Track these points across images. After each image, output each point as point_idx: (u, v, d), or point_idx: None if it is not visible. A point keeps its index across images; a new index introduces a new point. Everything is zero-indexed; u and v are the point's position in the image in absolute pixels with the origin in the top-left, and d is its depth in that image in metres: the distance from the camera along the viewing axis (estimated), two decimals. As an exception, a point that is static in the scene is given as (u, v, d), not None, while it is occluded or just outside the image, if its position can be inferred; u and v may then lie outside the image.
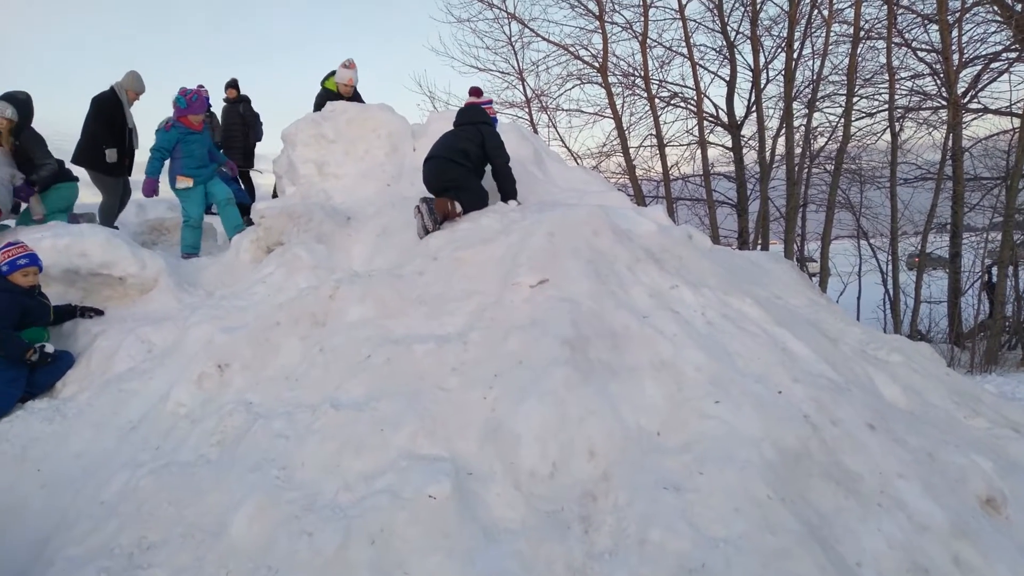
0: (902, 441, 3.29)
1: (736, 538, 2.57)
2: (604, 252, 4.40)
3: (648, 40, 12.48)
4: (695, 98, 12.81)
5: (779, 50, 12.38)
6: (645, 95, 12.77)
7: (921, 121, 12.54)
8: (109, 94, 7.17)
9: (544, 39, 13.15)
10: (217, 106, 10.02)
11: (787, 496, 2.77)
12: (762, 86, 12.46)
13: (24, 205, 6.36)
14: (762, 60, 12.42)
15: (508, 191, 5.69)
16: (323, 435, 3.34)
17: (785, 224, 12.24)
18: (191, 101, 6.58)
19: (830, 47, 11.98)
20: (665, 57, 13.19)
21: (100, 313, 5.33)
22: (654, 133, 12.99)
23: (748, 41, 12.39)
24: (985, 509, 3.09)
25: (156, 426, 3.97)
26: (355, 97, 8.33)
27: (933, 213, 11.88)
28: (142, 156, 7.47)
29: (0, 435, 4.16)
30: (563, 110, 14.08)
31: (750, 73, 12.56)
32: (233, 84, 10.08)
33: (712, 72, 13.45)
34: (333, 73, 8.27)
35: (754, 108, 12.62)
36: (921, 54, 11.99)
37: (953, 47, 11.26)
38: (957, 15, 11.28)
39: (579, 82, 13.45)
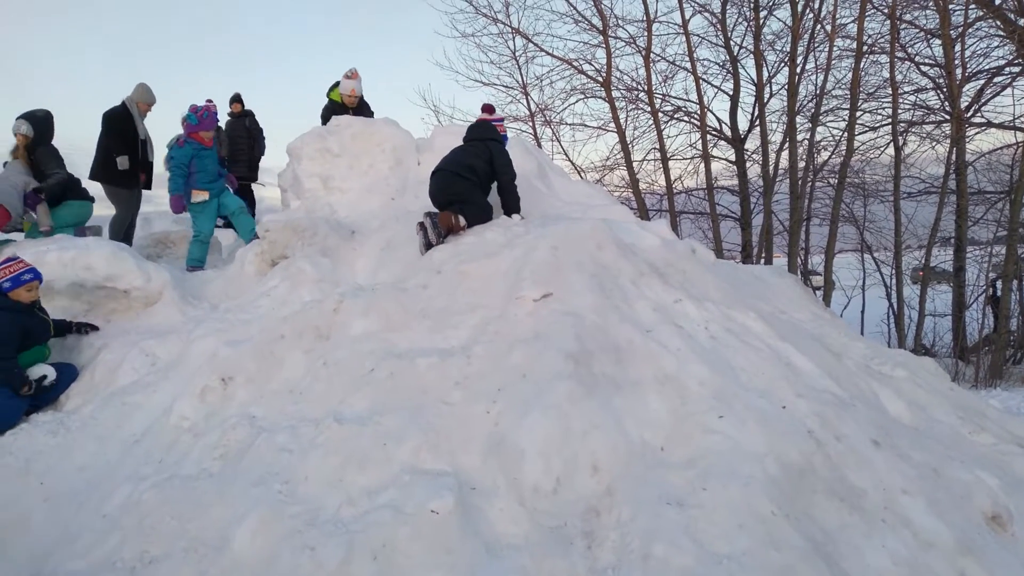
0: (906, 457, 3.28)
1: (740, 554, 2.56)
2: (608, 266, 4.41)
3: (651, 55, 12.53)
4: (698, 112, 12.83)
5: (782, 64, 12.43)
6: (648, 109, 12.80)
7: (924, 135, 12.55)
8: (120, 108, 7.25)
9: (548, 54, 13.21)
10: (221, 119, 10.10)
11: (791, 512, 2.76)
12: (765, 100, 12.48)
13: (32, 219, 6.40)
14: (765, 74, 12.46)
15: (512, 207, 5.71)
16: (326, 449, 3.34)
17: (789, 238, 12.24)
18: (202, 118, 6.66)
19: (833, 62, 12.02)
20: (668, 71, 13.23)
21: (96, 329, 5.29)
22: (657, 147, 13.00)
23: (751, 56, 12.42)
24: (991, 526, 3.08)
25: (159, 439, 3.97)
26: (361, 106, 8.35)
27: (937, 227, 11.87)
28: (159, 166, 7.62)
29: (4, 448, 4.15)
30: (567, 124, 14.11)
31: (753, 87, 12.59)
32: (238, 98, 10.16)
33: (715, 86, 13.49)
34: (338, 84, 8.30)
35: (757, 122, 12.64)
36: (924, 68, 12.01)
37: (956, 61, 11.28)
38: (960, 30, 11.31)
39: (583, 96, 13.49)
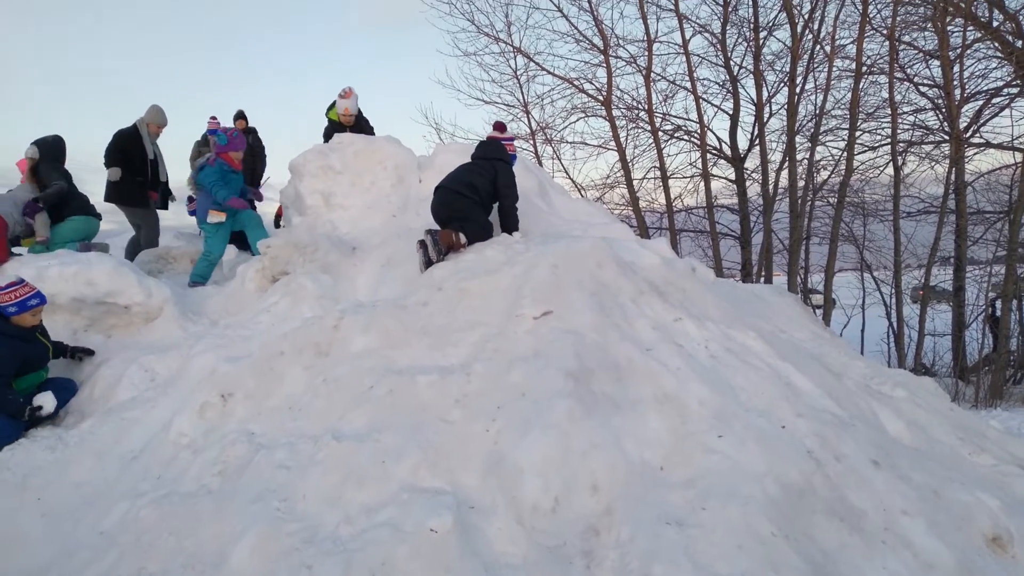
0: (907, 478, 3.27)
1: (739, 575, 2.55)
2: (608, 284, 4.41)
3: (652, 74, 12.61)
4: (698, 131, 12.89)
5: (782, 85, 12.49)
6: (649, 128, 12.86)
7: (923, 155, 12.60)
8: (130, 129, 7.40)
9: (549, 73, 13.29)
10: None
11: (791, 533, 2.75)
12: (765, 120, 12.54)
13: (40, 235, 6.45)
14: (765, 94, 12.52)
15: (510, 228, 5.72)
16: (325, 467, 3.34)
17: (788, 257, 12.26)
18: (232, 137, 6.74)
19: (832, 82, 12.10)
20: (669, 91, 13.31)
21: (91, 353, 5.25)
22: (657, 165, 13.05)
23: (751, 76, 12.50)
24: (991, 547, 3.06)
25: (158, 455, 3.96)
26: (360, 123, 8.40)
27: (936, 246, 11.89)
28: (168, 182, 7.77)
29: (1, 463, 4.15)
30: (567, 142, 14.14)
31: (753, 107, 12.65)
32: (241, 115, 10.23)
33: (715, 106, 13.56)
34: (335, 103, 8.37)
35: (757, 141, 12.69)
36: (923, 89, 12.11)
37: (955, 82, 11.37)
38: (958, 51, 11.41)
39: (583, 115, 13.56)
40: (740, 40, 12.65)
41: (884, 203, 13.21)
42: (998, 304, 11.47)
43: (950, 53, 11.13)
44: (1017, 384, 11.02)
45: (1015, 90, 11.15)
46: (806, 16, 11.74)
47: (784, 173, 12.40)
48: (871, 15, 11.36)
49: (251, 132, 10.20)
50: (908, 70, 12.03)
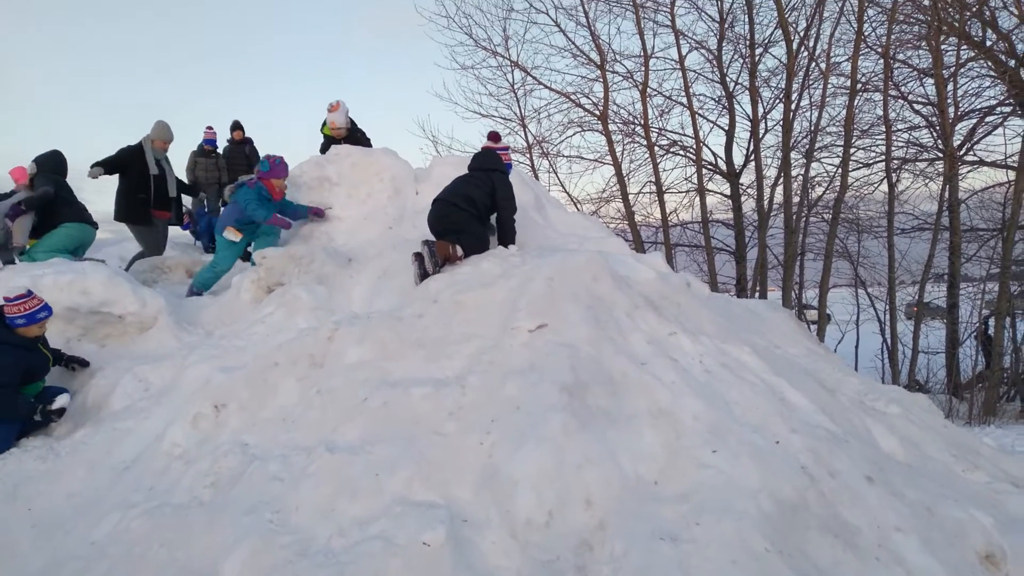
0: (900, 494, 3.27)
1: (733, 591, 2.54)
2: (603, 298, 4.42)
3: (648, 89, 12.70)
4: (694, 146, 12.98)
5: (777, 101, 12.59)
6: (645, 143, 12.95)
7: (918, 172, 12.72)
8: (134, 146, 7.50)
9: (546, 87, 13.39)
10: (221, 145, 10.20)
11: (784, 549, 2.74)
12: (760, 136, 12.64)
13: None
14: (760, 110, 12.62)
15: (507, 241, 5.74)
16: (318, 479, 3.32)
17: (783, 272, 12.32)
18: (274, 164, 6.70)
19: (827, 99, 12.23)
20: (665, 106, 13.41)
21: (85, 364, 5.24)
22: (653, 180, 13.14)
23: (747, 92, 12.61)
24: (984, 565, 3.06)
25: (150, 466, 3.93)
26: (355, 134, 8.43)
27: (930, 263, 11.98)
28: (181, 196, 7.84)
29: (-8, 473, 4.13)
30: (564, 156, 14.22)
31: (749, 123, 12.76)
32: (238, 126, 10.25)
33: (711, 121, 13.66)
34: None
35: (752, 157, 12.78)
36: (917, 107, 12.23)
37: (949, 100, 11.49)
38: (952, 70, 11.52)
39: (580, 129, 13.64)
40: (736, 57, 12.78)
41: (878, 220, 13.30)
42: (991, 321, 11.52)
43: (944, 72, 11.25)
44: (1010, 401, 11.06)
45: (1008, 109, 11.27)
46: (801, 34, 11.86)
47: (779, 189, 12.50)
48: (866, 33, 11.49)
49: (247, 143, 10.23)
50: (902, 88, 12.16)
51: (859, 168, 12.90)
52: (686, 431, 3.38)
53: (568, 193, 14.36)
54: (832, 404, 4.14)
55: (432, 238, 5.56)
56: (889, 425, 4.19)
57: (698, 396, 3.60)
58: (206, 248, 9.39)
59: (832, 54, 12.02)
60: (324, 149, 8.17)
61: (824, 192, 13.13)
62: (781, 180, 12.27)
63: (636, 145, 13.51)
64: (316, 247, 6.28)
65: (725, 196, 13.58)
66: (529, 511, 2.96)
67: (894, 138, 12.11)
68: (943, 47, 11.23)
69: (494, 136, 6.50)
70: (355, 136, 8.42)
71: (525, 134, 13.94)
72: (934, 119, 11.84)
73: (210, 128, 10.02)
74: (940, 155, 11.74)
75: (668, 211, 13.39)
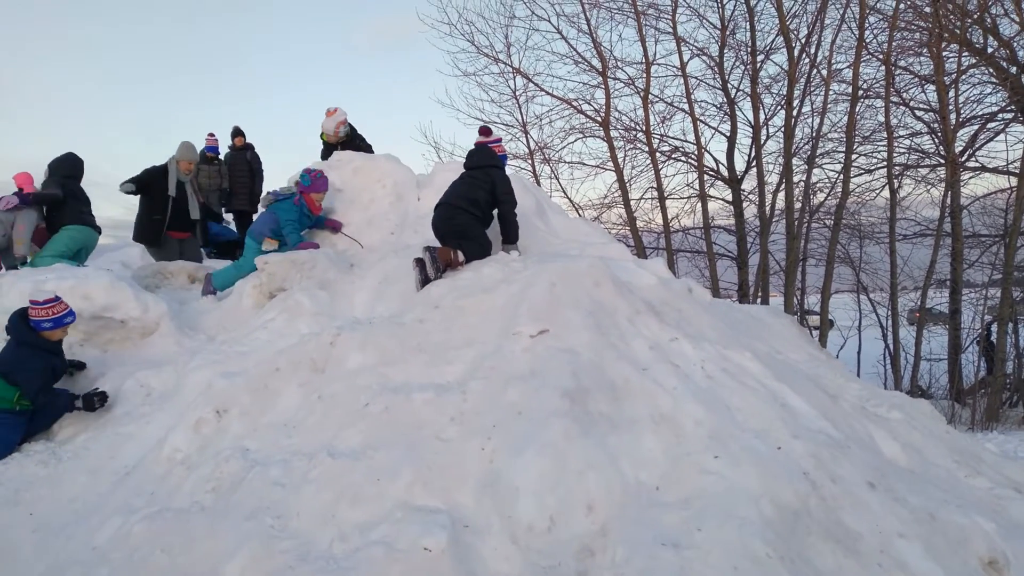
0: (902, 500, 3.26)
1: (735, 597, 2.54)
2: (604, 304, 4.42)
3: (650, 96, 12.71)
4: (696, 152, 12.98)
5: (779, 107, 12.59)
6: (646, 149, 12.94)
7: (919, 178, 12.69)
8: (159, 167, 7.52)
9: (548, 93, 13.39)
10: (222, 152, 10.21)
11: (786, 555, 2.74)
12: (762, 142, 12.64)
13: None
14: (762, 117, 12.63)
15: (511, 236, 5.75)
16: (319, 484, 3.32)
17: (785, 278, 12.30)
18: (315, 178, 6.70)
19: (829, 105, 12.23)
20: (667, 112, 13.40)
21: (82, 367, 5.28)
22: (655, 186, 13.13)
23: (748, 98, 12.62)
24: (987, 571, 3.05)
25: (152, 471, 3.93)
26: (352, 139, 8.45)
27: (932, 269, 11.96)
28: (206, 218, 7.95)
29: (-6, 478, 4.13)
30: (565, 162, 14.21)
31: (750, 129, 12.76)
32: (239, 132, 10.25)
33: (713, 127, 13.65)
34: None
35: (754, 163, 12.78)
36: (919, 113, 12.21)
37: (950, 107, 11.48)
38: (954, 76, 11.53)
39: (581, 135, 13.64)
40: (738, 63, 12.79)
41: (880, 225, 13.29)
42: (993, 328, 11.50)
43: (945, 78, 11.25)
44: (1013, 407, 11.03)
45: (1010, 115, 11.26)
46: (803, 40, 11.87)
47: (781, 195, 12.49)
48: (867, 40, 11.50)
49: (248, 148, 10.23)
50: (904, 94, 12.14)
51: (861, 174, 12.90)
52: (688, 437, 3.38)
53: (570, 199, 14.37)
54: (834, 410, 4.14)
55: (434, 243, 5.56)
56: (891, 431, 4.18)
57: (700, 402, 3.60)
58: (209, 255, 9.39)
59: (833, 61, 12.04)
60: (325, 155, 8.18)
61: (826, 198, 13.13)
62: (783, 186, 12.27)
63: (638, 151, 13.52)
64: (318, 252, 6.29)
65: (727, 202, 13.59)
66: (530, 517, 2.96)
67: (896, 144, 12.11)
68: (944, 54, 11.23)
69: (485, 131, 6.50)
70: (355, 142, 8.43)
71: (527, 140, 13.96)
72: (936, 125, 11.84)
73: (212, 135, 10.03)
74: (942, 161, 11.73)
75: (670, 217, 13.39)
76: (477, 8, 28.96)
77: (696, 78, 13.18)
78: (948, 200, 11.61)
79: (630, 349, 4.08)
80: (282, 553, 2.98)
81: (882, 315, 13.20)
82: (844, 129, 11.93)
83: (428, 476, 3.26)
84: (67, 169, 6.82)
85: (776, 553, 2.70)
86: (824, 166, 13.09)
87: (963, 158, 11.70)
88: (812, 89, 12.27)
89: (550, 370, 3.74)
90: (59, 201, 6.52)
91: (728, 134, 13.08)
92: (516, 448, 3.25)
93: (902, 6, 11.16)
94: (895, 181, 12.17)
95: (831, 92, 12.08)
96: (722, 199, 13.75)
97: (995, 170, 11.74)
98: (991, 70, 11.06)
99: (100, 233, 6.92)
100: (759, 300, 12.28)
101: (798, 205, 12.24)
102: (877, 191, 13.16)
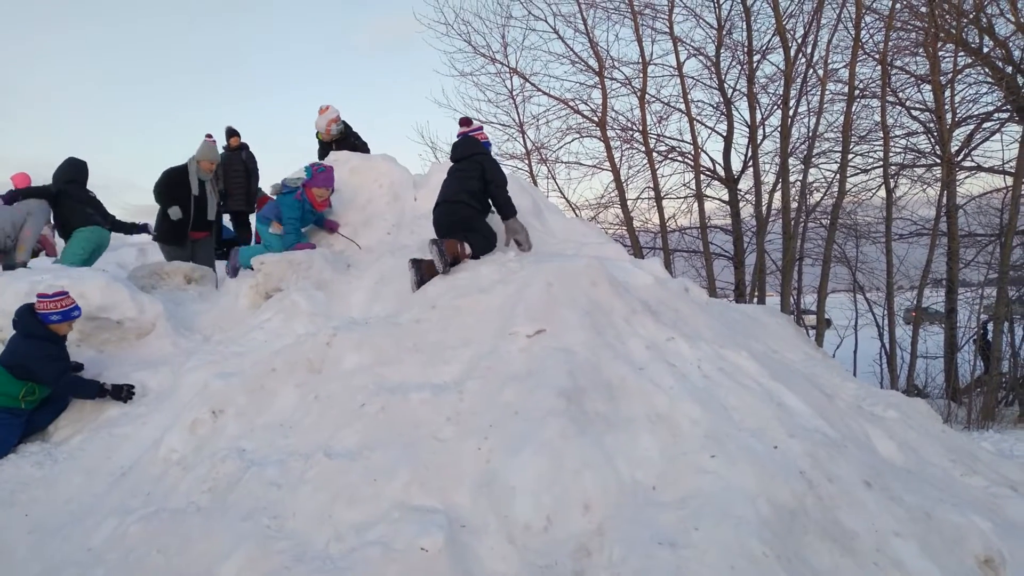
0: (898, 499, 3.27)
1: (731, 596, 2.54)
2: (601, 303, 4.42)
3: (647, 96, 12.69)
4: (692, 152, 12.96)
5: (775, 107, 12.58)
6: (643, 149, 12.92)
7: (915, 178, 12.69)
8: (179, 167, 7.47)
9: (545, 93, 13.36)
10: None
11: (783, 554, 2.74)
12: (758, 142, 12.62)
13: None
14: (758, 117, 12.60)
15: (507, 212, 5.74)
16: (315, 484, 3.32)
17: (781, 277, 12.30)
18: (316, 173, 6.70)
19: (825, 105, 12.20)
20: (663, 112, 13.37)
21: (80, 368, 5.24)
22: (652, 186, 13.11)
23: (745, 98, 12.59)
24: (983, 570, 3.05)
25: (147, 472, 3.93)
26: (346, 137, 8.45)
27: (928, 268, 11.97)
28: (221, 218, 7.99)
29: (-11, 479, 4.12)
30: (562, 162, 14.18)
31: (747, 129, 12.73)
32: (234, 132, 10.21)
33: (709, 127, 13.61)
34: None
35: (751, 163, 12.77)
36: (915, 113, 12.21)
37: (946, 107, 11.48)
38: (949, 76, 11.53)
39: (578, 135, 13.61)
40: (734, 63, 12.77)
41: (876, 225, 13.28)
42: (989, 327, 11.52)
43: (941, 78, 11.25)
44: (1009, 406, 11.04)
45: (1005, 115, 11.27)
46: (799, 40, 11.86)
47: (777, 194, 12.47)
48: (863, 40, 11.48)
49: (244, 148, 10.20)
50: (900, 94, 12.15)
51: (857, 174, 12.89)
52: (684, 436, 3.38)
53: (566, 199, 14.35)
54: (830, 409, 4.14)
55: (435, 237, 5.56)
56: (887, 430, 4.19)
57: (696, 401, 3.60)
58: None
59: (830, 60, 12.01)
60: (321, 155, 8.18)
61: (822, 198, 13.12)
62: (779, 186, 12.26)
63: (634, 151, 13.50)
64: (314, 252, 6.29)
65: (723, 202, 13.57)
66: (527, 516, 2.96)
67: (892, 144, 12.11)
68: (940, 54, 11.24)
69: (465, 121, 6.50)
70: (351, 141, 8.43)
71: (524, 140, 13.93)
72: (932, 125, 11.84)
73: (210, 136, 9.99)
74: (938, 161, 11.74)
75: (666, 217, 13.37)
76: (474, 8, 28.92)
77: (693, 78, 13.18)
78: (944, 200, 11.62)
79: (626, 349, 4.08)
80: (278, 553, 2.97)
81: (878, 314, 13.23)
82: (840, 129, 11.92)
83: (425, 476, 3.26)
84: (68, 174, 6.83)
85: (773, 552, 2.71)
86: (820, 166, 13.09)
87: (959, 158, 11.70)
88: (808, 89, 12.27)
89: (547, 370, 3.74)
90: (51, 195, 6.56)
91: (724, 134, 13.07)
92: (513, 448, 3.25)
93: (898, 6, 11.16)
94: (891, 181, 12.17)
95: (827, 92, 12.08)
96: (718, 199, 13.75)
97: (991, 169, 11.75)
98: (987, 70, 11.07)
99: (111, 231, 6.96)
100: (755, 300, 12.27)
101: (794, 205, 12.24)
102: (873, 191, 13.16)
